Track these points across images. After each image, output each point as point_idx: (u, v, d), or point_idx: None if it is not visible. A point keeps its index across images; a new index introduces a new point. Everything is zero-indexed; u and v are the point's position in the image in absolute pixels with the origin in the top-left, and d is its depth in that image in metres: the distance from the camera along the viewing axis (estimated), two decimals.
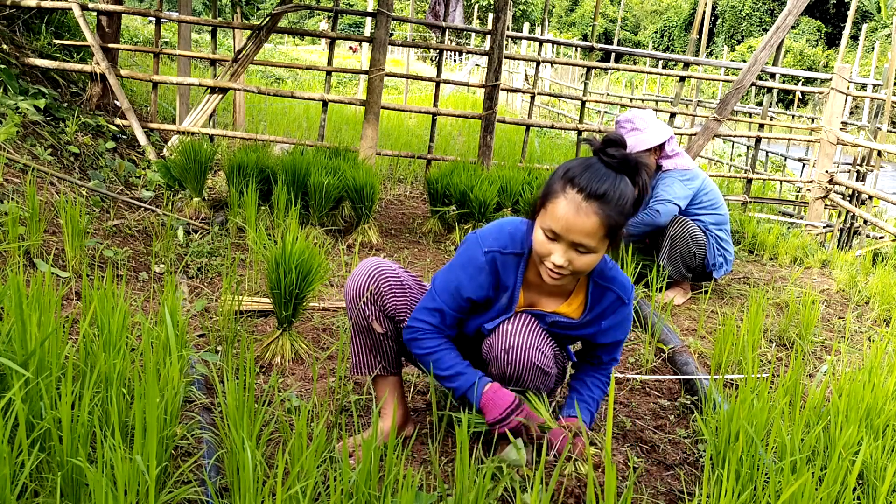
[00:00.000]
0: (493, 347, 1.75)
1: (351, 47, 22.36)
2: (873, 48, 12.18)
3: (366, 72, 4.86)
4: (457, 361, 1.75)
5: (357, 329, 1.87)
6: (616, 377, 2.52)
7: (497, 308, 1.78)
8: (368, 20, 9.61)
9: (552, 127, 5.61)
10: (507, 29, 4.94)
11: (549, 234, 1.59)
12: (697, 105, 10.05)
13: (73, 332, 2.26)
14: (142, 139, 4.58)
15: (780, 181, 6.89)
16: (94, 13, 4.87)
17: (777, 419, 1.79)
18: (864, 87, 6.83)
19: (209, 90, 4.90)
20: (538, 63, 5.48)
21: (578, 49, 9.82)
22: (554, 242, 1.59)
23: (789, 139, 9.08)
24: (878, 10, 24.43)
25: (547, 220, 1.59)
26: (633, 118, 3.44)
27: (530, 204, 1.71)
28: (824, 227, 5.79)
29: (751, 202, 5.77)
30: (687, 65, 5.56)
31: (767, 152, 8.63)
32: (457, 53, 23.89)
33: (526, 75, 14.96)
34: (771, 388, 2.37)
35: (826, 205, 5.87)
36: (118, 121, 4.69)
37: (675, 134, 5.48)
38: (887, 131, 7.20)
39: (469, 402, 1.73)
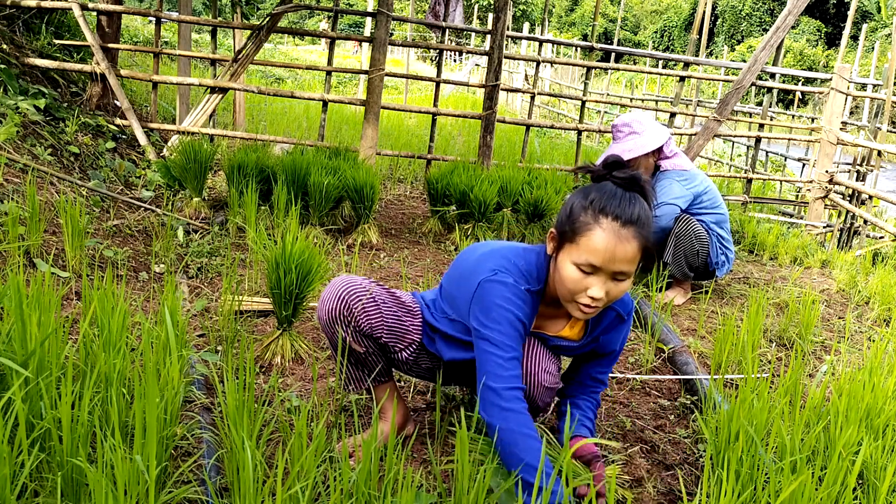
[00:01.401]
0: None
1: (355, 49, 22.32)
2: (873, 48, 12.18)
3: (366, 72, 4.86)
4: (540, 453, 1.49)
5: (337, 350, 1.84)
6: (616, 377, 2.53)
7: None
8: (368, 20, 9.61)
9: (552, 127, 5.61)
10: (507, 29, 4.94)
11: (587, 268, 1.54)
12: (697, 105, 10.05)
13: (73, 332, 2.26)
14: (142, 139, 4.58)
15: (780, 181, 6.89)
16: (94, 13, 4.87)
17: (777, 419, 1.79)
18: (864, 87, 6.83)
19: (209, 90, 4.90)
20: (538, 63, 5.48)
21: (578, 49, 9.82)
22: (591, 276, 1.54)
23: (789, 139, 9.08)
24: (878, 10, 24.42)
25: (582, 255, 1.53)
26: (631, 122, 3.43)
27: (551, 238, 1.64)
28: (824, 227, 5.79)
29: (751, 202, 5.77)
30: (687, 65, 5.56)
31: (767, 152, 8.63)
32: (457, 53, 23.89)
33: (526, 75, 14.96)
34: (771, 388, 2.37)
35: (826, 205, 5.87)
36: (118, 121, 4.69)
37: (675, 134, 5.49)
38: (887, 131, 7.20)
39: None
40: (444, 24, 5.25)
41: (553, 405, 2.20)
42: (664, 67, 17.00)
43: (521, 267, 1.67)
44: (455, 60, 24.77)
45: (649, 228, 1.55)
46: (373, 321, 1.79)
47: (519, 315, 1.61)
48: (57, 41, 4.93)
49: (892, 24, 7.84)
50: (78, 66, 4.67)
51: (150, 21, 6.96)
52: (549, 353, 1.78)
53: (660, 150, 3.46)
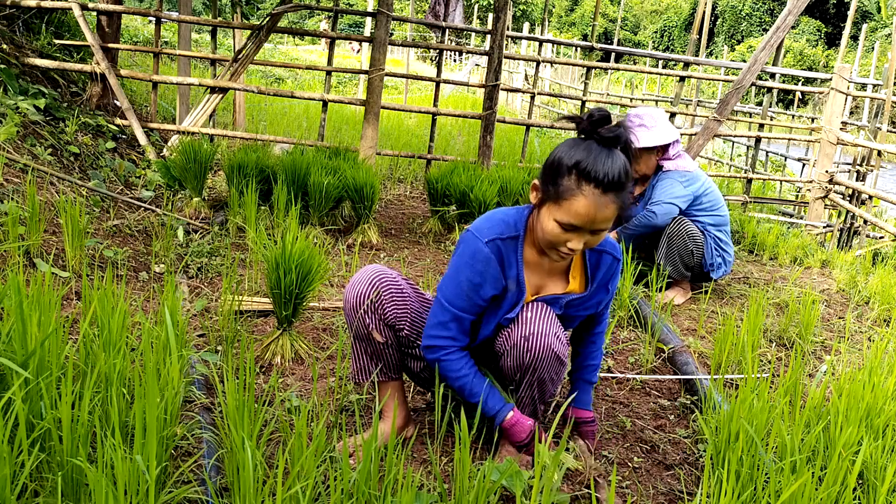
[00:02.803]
0: (511, 336, 1.74)
1: (357, 49, 22.28)
2: (873, 48, 12.17)
3: (366, 72, 4.86)
4: (484, 387, 1.77)
5: (357, 337, 1.86)
6: (616, 377, 2.53)
7: (510, 297, 1.77)
8: (368, 20, 9.61)
9: (552, 127, 5.62)
10: (507, 29, 4.94)
11: (567, 226, 1.63)
12: (697, 105, 10.05)
13: (73, 332, 2.26)
14: (142, 139, 4.58)
15: (780, 181, 6.89)
16: (94, 13, 4.87)
17: (777, 419, 1.79)
18: (864, 87, 6.84)
19: (209, 90, 4.90)
20: (538, 63, 5.48)
21: (578, 49, 9.81)
22: (571, 232, 1.64)
23: (789, 139, 9.08)
24: (878, 10, 24.43)
25: (563, 216, 1.62)
26: (643, 115, 3.42)
27: (534, 188, 1.72)
28: (824, 227, 5.79)
29: (751, 202, 5.77)
30: (687, 65, 5.56)
31: (767, 152, 8.63)
32: (457, 53, 23.89)
33: (526, 75, 14.96)
34: (771, 388, 2.37)
35: (826, 205, 5.87)
36: (118, 121, 4.69)
37: None
38: (887, 131, 7.20)
39: (491, 420, 1.79)
40: (444, 24, 5.25)
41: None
42: (664, 67, 16.99)
43: (499, 218, 1.78)
44: (455, 60, 24.76)
45: (628, 186, 1.62)
46: (399, 312, 1.84)
47: (474, 279, 1.73)
48: (57, 41, 4.93)
49: (892, 24, 7.83)
50: (78, 66, 4.67)
51: (150, 21, 6.97)
52: (558, 321, 1.79)
53: (665, 149, 3.44)
